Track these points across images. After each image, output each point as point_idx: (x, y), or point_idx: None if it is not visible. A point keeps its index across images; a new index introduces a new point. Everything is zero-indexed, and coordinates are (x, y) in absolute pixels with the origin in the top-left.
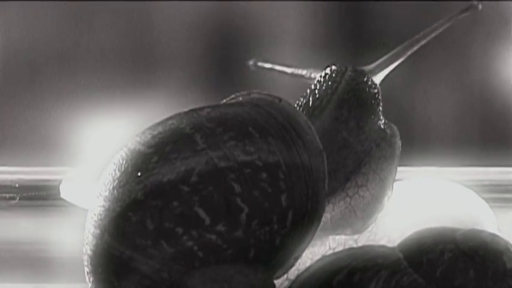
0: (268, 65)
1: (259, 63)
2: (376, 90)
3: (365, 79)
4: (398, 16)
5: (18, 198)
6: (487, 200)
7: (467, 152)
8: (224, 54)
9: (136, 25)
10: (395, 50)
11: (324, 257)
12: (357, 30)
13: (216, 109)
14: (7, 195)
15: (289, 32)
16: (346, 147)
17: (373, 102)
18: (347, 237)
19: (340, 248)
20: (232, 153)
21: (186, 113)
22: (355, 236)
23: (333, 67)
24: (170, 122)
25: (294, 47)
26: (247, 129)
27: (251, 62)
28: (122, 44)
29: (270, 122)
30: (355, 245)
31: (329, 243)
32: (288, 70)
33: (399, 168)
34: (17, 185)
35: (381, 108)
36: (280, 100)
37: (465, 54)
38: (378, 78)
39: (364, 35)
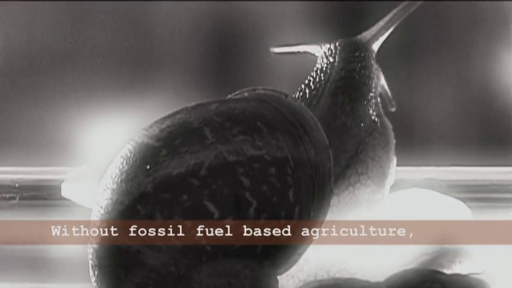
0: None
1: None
2: (365, 79)
3: (353, 66)
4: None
5: (18, 198)
6: (486, 200)
7: (467, 152)
8: (224, 53)
9: (136, 25)
10: (390, 15)
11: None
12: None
13: (224, 104)
14: (7, 195)
15: (289, 32)
16: (346, 132)
17: (363, 88)
18: (318, 268)
19: (312, 279)
20: (242, 148)
21: (193, 107)
22: (326, 267)
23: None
24: (178, 116)
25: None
26: (255, 124)
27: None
28: (122, 44)
29: (277, 117)
30: (326, 276)
31: (298, 275)
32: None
33: (399, 168)
34: (17, 185)
35: (372, 95)
36: (286, 96)
37: (465, 54)
38: (376, 46)
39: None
